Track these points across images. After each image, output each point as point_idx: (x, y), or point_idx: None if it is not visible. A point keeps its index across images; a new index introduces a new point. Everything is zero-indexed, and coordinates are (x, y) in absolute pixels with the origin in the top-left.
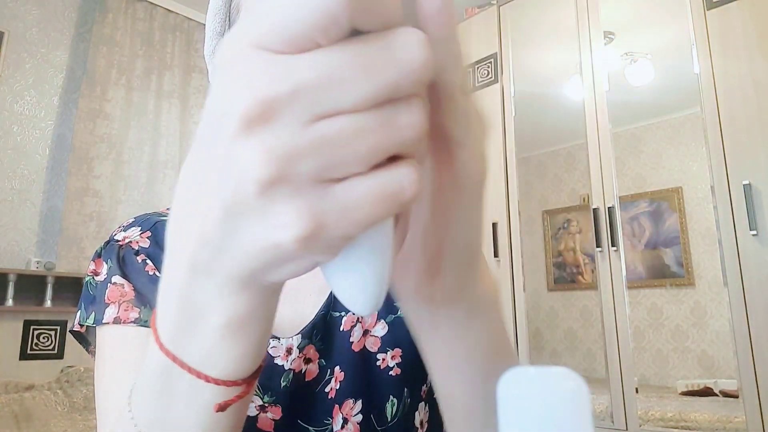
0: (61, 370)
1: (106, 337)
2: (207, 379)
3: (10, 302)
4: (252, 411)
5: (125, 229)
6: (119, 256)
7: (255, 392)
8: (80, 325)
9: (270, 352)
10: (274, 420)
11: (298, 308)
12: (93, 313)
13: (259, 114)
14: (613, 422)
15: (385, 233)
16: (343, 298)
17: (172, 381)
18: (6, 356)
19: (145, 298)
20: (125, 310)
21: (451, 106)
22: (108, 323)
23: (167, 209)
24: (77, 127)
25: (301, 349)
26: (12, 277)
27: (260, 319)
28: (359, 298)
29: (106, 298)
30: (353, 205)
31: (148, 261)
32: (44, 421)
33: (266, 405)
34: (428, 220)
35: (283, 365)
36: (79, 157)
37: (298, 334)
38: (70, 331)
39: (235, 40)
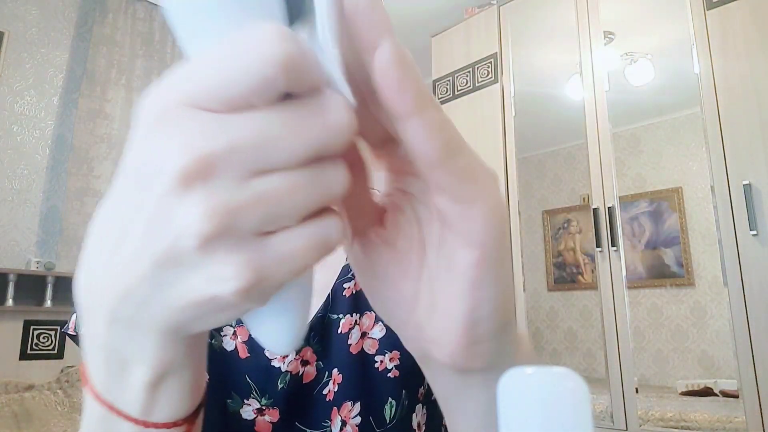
0: (61, 370)
1: None
2: (146, 424)
3: (10, 302)
4: (249, 414)
5: None
6: None
7: (252, 395)
8: (75, 332)
9: (267, 354)
10: (271, 423)
11: None
12: None
13: (197, 171)
14: (613, 422)
15: (307, 276)
16: (267, 341)
17: (114, 427)
18: (6, 356)
19: None
20: None
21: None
22: None
23: None
24: (77, 127)
25: (297, 351)
26: (12, 277)
27: (189, 366)
28: (284, 339)
29: None
30: (289, 255)
31: None
32: (44, 421)
33: (264, 408)
34: (459, 290)
35: (279, 367)
36: (79, 157)
37: None
38: (65, 333)
39: (164, 95)
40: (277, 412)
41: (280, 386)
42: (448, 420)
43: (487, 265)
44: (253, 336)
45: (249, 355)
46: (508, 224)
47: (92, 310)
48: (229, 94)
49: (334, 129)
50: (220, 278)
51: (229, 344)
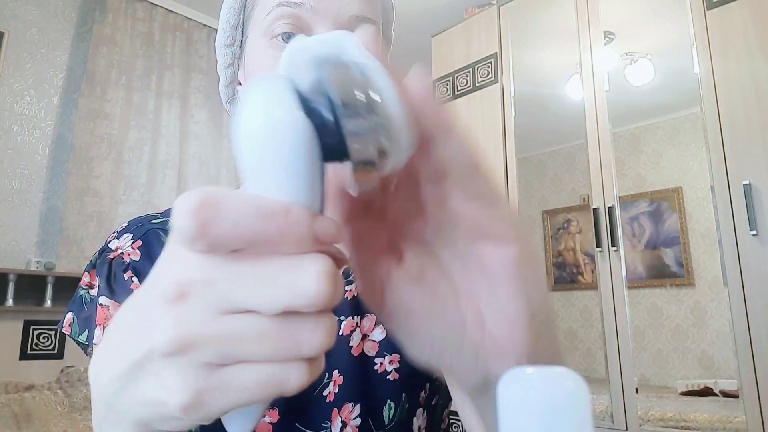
0: (61, 370)
1: None
2: None
3: (10, 302)
4: None
5: (118, 236)
6: (109, 272)
7: None
8: (73, 336)
9: None
10: (271, 423)
11: None
12: (86, 330)
13: (176, 292)
14: (613, 422)
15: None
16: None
17: None
18: (6, 356)
19: None
20: None
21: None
22: (96, 344)
23: (161, 211)
24: (77, 127)
25: None
26: (12, 277)
27: None
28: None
29: (96, 318)
30: (236, 388)
31: (134, 279)
32: (44, 421)
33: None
34: (508, 290)
35: None
36: (79, 157)
37: None
38: (61, 330)
39: (173, 240)
40: (277, 412)
41: None
42: None
43: (526, 257)
44: None
45: None
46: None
47: (94, 386)
48: (216, 241)
49: (303, 294)
50: (167, 388)
51: None
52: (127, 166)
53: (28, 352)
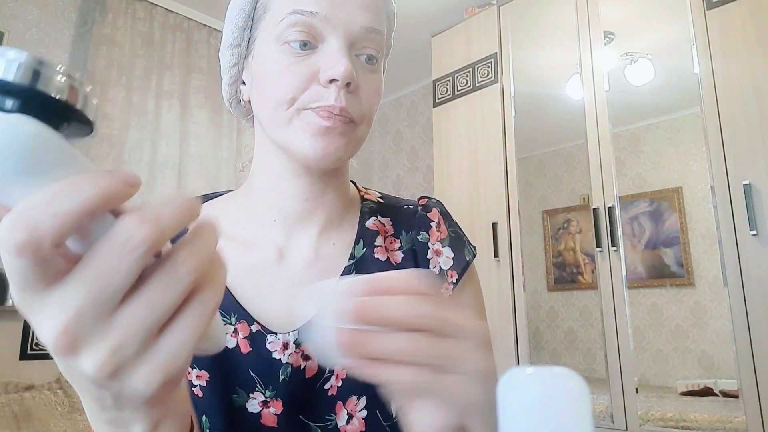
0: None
1: None
2: None
3: (10, 302)
4: (255, 407)
5: None
6: None
7: (257, 388)
8: None
9: (268, 347)
10: (276, 415)
11: (294, 305)
12: None
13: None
14: (613, 422)
15: None
16: None
17: None
18: (6, 356)
19: None
20: None
21: None
22: None
23: None
24: None
25: (297, 345)
26: None
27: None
28: None
29: None
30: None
31: None
32: (44, 421)
33: (268, 400)
34: None
35: (280, 359)
36: None
37: (294, 330)
38: None
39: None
40: (281, 403)
41: (281, 378)
42: None
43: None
44: None
45: (251, 349)
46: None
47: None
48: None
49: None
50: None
51: (230, 342)
52: (127, 166)
53: (28, 352)
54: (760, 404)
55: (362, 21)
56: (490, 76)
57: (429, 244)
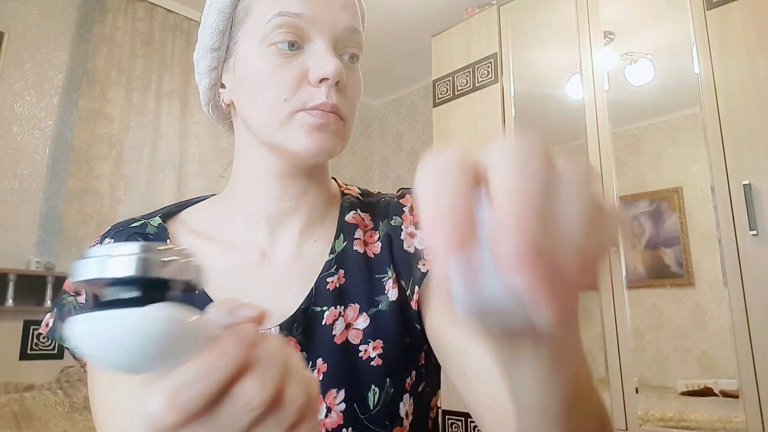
0: (61, 370)
1: (94, 375)
2: None
3: (10, 302)
4: None
5: (101, 241)
6: None
7: None
8: (50, 333)
9: None
10: None
11: (279, 301)
12: None
13: None
14: (613, 422)
15: None
16: None
17: None
18: (6, 356)
19: None
20: None
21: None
22: None
23: (142, 215)
24: (77, 127)
25: None
26: (12, 277)
27: None
28: None
29: None
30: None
31: None
32: (44, 421)
33: None
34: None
35: None
36: (79, 157)
37: (276, 325)
38: (44, 334)
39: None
40: None
41: None
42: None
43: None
44: None
45: None
46: None
47: None
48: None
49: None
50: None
51: None
52: (127, 166)
53: (28, 352)
54: (760, 404)
55: (345, 22)
56: (490, 76)
57: (402, 227)
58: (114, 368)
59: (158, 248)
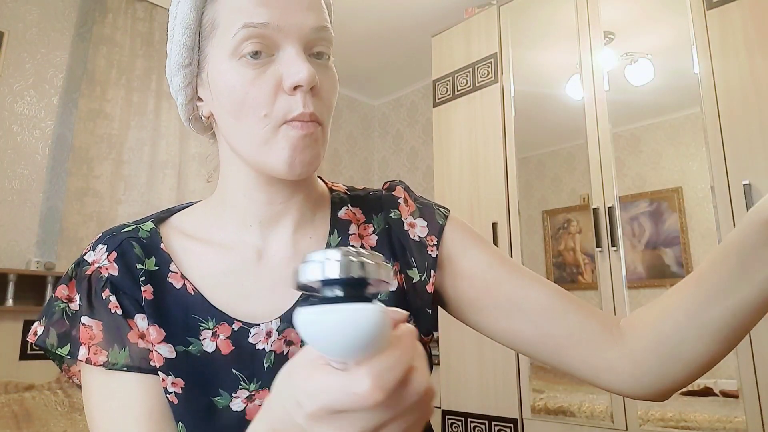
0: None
1: (90, 379)
2: None
3: (10, 302)
4: (239, 405)
5: (93, 247)
6: (90, 289)
7: (241, 385)
8: (39, 344)
9: (251, 341)
10: (261, 406)
11: (276, 299)
12: (69, 345)
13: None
14: (613, 422)
15: None
16: None
17: None
18: (6, 356)
19: (110, 340)
20: (94, 353)
21: None
22: (81, 361)
23: (134, 220)
24: (77, 127)
25: (280, 332)
26: (12, 277)
27: None
28: None
29: (80, 336)
30: None
31: (111, 298)
32: (44, 421)
33: (253, 393)
34: None
35: (263, 348)
36: (79, 157)
37: (277, 318)
38: (33, 343)
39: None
40: (267, 391)
41: (266, 366)
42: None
43: None
44: None
45: (233, 347)
46: None
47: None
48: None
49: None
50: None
51: (209, 346)
52: (127, 166)
53: (28, 352)
54: (760, 404)
55: (311, 23)
56: (490, 76)
57: (402, 218)
58: (328, 355)
59: (363, 253)
